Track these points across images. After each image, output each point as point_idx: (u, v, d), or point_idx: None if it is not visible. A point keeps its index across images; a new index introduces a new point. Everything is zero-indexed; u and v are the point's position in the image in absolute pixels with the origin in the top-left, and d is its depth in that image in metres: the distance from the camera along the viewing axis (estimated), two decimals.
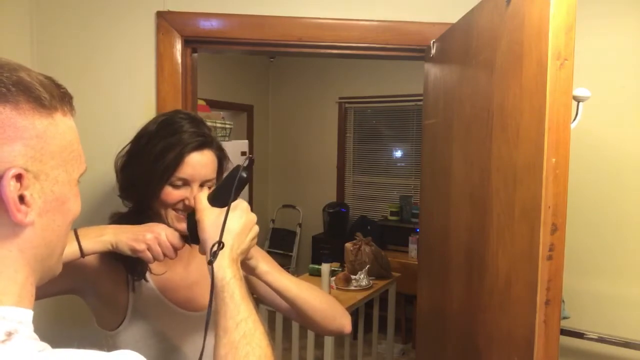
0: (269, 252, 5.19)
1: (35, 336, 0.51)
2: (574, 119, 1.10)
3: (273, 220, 5.48)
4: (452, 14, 1.49)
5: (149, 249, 0.92)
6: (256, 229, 0.87)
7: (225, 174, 1.11)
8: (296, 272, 3.04)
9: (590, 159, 1.60)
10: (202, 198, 0.86)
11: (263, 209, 5.42)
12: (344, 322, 1.13)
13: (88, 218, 1.12)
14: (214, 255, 0.79)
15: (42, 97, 0.53)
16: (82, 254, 0.91)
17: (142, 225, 0.95)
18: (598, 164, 1.61)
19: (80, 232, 0.93)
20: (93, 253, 0.93)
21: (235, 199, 0.85)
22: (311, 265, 3.42)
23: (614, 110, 1.59)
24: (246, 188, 4.33)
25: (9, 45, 1.56)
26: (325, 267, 2.86)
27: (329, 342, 2.68)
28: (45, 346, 0.50)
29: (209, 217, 0.82)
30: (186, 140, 0.99)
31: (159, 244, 0.93)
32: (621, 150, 1.60)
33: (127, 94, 1.62)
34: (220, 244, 0.79)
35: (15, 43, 1.57)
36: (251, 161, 0.87)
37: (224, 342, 0.71)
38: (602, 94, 1.52)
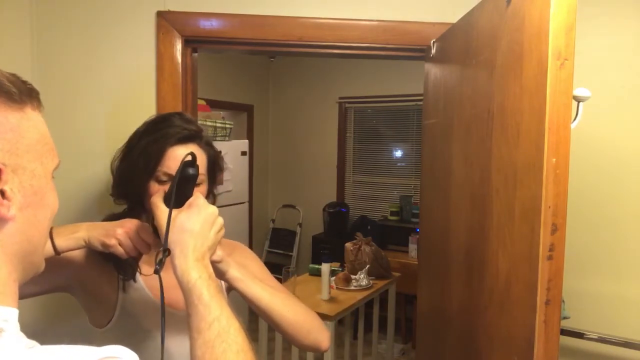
0: (268, 252, 5.15)
1: (22, 334, 0.50)
2: (574, 119, 1.10)
3: (273, 220, 5.48)
4: (452, 14, 1.49)
5: (120, 243, 0.92)
6: (220, 221, 0.84)
7: (218, 173, 1.10)
8: (296, 272, 3.03)
9: (590, 159, 1.60)
10: (156, 201, 0.85)
11: (263, 208, 5.42)
12: (320, 338, 1.07)
13: (86, 218, 1.13)
14: (160, 263, 0.79)
15: (11, 92, 0.53)
16: (56, 251, 0.92)
17: (115, 222, 0.96)
18: (598, 164, 1.61)
19: (55, 230, 0.93)
20: (67, 250, 0.94)
21: (182, 197, 0.82)
22: (311, 265, 3.42)
23: (614, 110, 1.59)
24: (246, 187, 4.29)
25: (9, 46, 1.56)
26: (325, 267, 2.86)
27: None
28: (35, 343, 0.50)
29: (164, 218, 0.81)
30: (170, 133, 0.98)
31: (131, 239, 0.92)
32: (621, 150, 1.60)
33: (127, 94, 1.62)
34: (166, 252, 0.78)
35: (15, 44, 1.57)
36: (193, 157, 0.85)
37: (199, 343, 0.70)
38: (602, 94, 1.52)
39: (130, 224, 0.94)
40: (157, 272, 0.79)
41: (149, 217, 0.99)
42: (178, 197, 0.82)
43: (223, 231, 0.86)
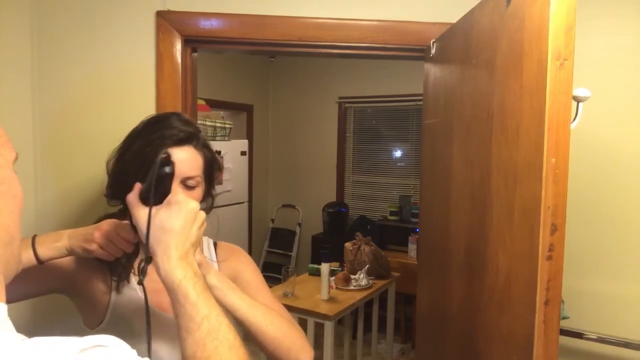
0: (268, 252, 5.14)
1: (13, 328, 0.50)
2: (574, 119, 1.10)
3: (273, 220, 5.48)
4: (452, 14, 1.49)
5: (101, 246, 0.91)
6: (201, 215, 0.81)
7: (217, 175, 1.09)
8: (296, 272, 3.03)
9: (590, 159, 1.60)
10: (132, 199, 0.82)
11: (263, 208, 5.42)
12: (301, 358, 1.00)
13: (85, 219, 1.13)
14: (142, 272, 0.77)
15: None
16: (39, 260, 0.91)
17: (93, 225, 0.95)
18: (598, 164, 1.61)
19: (38, 238, 0.93)
20: (50, 259, 0.93)
21: (160, 195, 0.80)
22: (311, 265, 3.42)
23: (614, 110, 1.59)
24: (246, 187, 4.28)
25: (9, 46, 1.56)
26: (324, 267, 2.86)
27: (328, 342, 2.68)
28: (24, 337, 0.49)
29: (142, 217, 0.79)
30: (165, 135, 0.97)
31: (111, 240, 0.91)
32: (621, 151, 1.60)
33: (127, 94, 1.62)
34: (148, 260, 0.77)
35: (15, 43, 1.57)
36: (168, 155, 0.83)
37: (189, 343, 0.69)
38: (602, 94, 1.52)
39: (107, 224, 0.93)
40: (140, 282, 0.77)
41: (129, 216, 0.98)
42: (156, 195, 0.80)
43: (205, 226, 0.83)
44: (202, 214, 0.82)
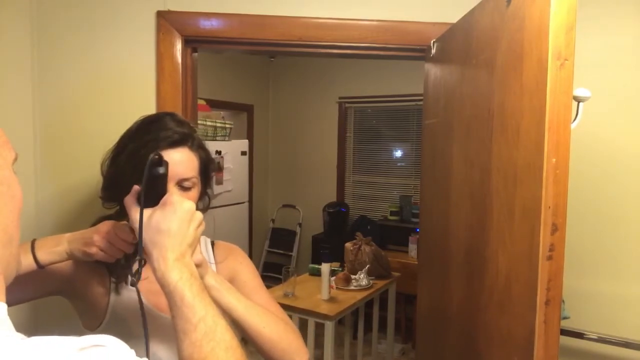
0: (268, 252, 5.13)
1: (12, 327, 0.51)
2: (574, 119, 1.10)
3: (273, 220, 5.48)
4: (452, 14, 1.49)
5: (101, 249, 0.91)
6: (198, 216, 0.81)
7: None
8: (296, 272, 3.03)
9: (590, 159, 1.60)
10: (129, 201, 0.83)
11: (263, 208, 5.42)
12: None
13: (84, 219, 1.12)
14: (136, 275, 0.77)
15: None
16: (39, 265, 0.91)
17: (90, 228, 0.94)
18: (598, 164, 1.61)
19: (38, 243, 0.92)
20: (50, 264, 0.93)
21: (156, 196, 0.80)
22: (311, 265, 3.42)
23: (614, 110, 1.59)
24: (246, 187, 4.27)
25: (9, 46, 1.56)
26: (325, 267, 2.86)
27: (329, 342, 2.68)
28: (24, 337, 0.50)
29: (138, 218, 0.79)
30: (160, 137, 0.96)
31: (110, 242, 0.91)
32: (621, 151, 1.60)
33: (127, 94, 1.62)
34: (142, 261, 0.77)
35: (15, 43, 1.57)
36: (160, 156, 0.82)
37: (186, 344, 0.69)
38: (602, 94, 1.52)
39: (105, 226, 0.93)
40: (133, 284, 0.77)
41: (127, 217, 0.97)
42: (151, 196, 0.80)
43: (203, 226, 0.83)
44: (199, 214, 0.82)
